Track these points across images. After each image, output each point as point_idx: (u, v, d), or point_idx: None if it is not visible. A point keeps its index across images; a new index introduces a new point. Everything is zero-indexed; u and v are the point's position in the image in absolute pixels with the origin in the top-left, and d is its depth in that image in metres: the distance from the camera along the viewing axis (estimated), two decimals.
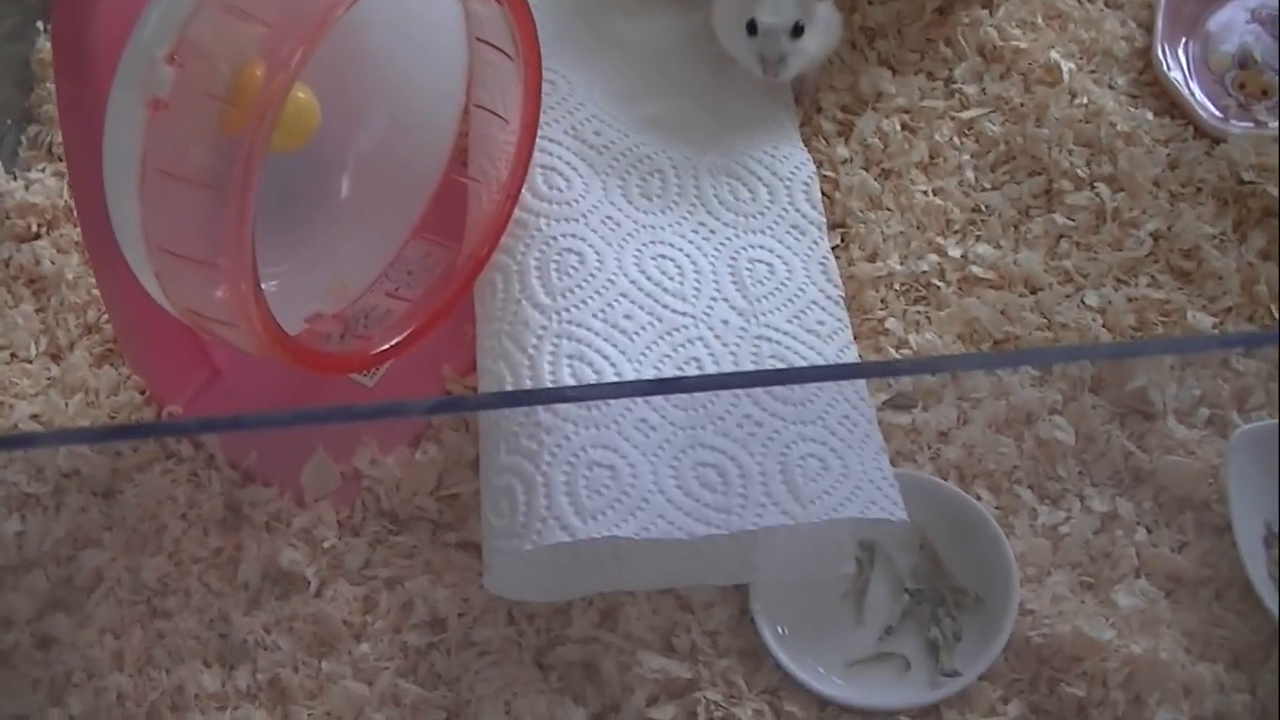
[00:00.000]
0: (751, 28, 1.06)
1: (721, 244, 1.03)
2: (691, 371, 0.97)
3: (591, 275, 1.00)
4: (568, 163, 1.05)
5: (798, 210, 1.06)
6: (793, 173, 1.07)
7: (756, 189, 1.06)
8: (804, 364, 0.98)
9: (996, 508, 0.95)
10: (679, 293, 1.00)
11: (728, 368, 0.97)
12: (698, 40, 1.15)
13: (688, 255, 1.02)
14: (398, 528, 0.98)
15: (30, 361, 1.09)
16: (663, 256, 1.02)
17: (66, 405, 1.05)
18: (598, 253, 1.01)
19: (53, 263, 1.13)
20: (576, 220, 1.03)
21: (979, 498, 0.95)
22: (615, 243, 1.02)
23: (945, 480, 0.95)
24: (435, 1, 0.97)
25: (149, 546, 0.98)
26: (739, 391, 0.96)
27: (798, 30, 1.06)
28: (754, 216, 1.05)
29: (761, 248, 1.03)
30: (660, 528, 0.89)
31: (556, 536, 0.88)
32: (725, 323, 0.99)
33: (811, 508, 0.90)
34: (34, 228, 1.15)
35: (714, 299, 1.00)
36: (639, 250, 1.02)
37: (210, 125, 0.81)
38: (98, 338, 1.09)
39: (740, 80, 1.12)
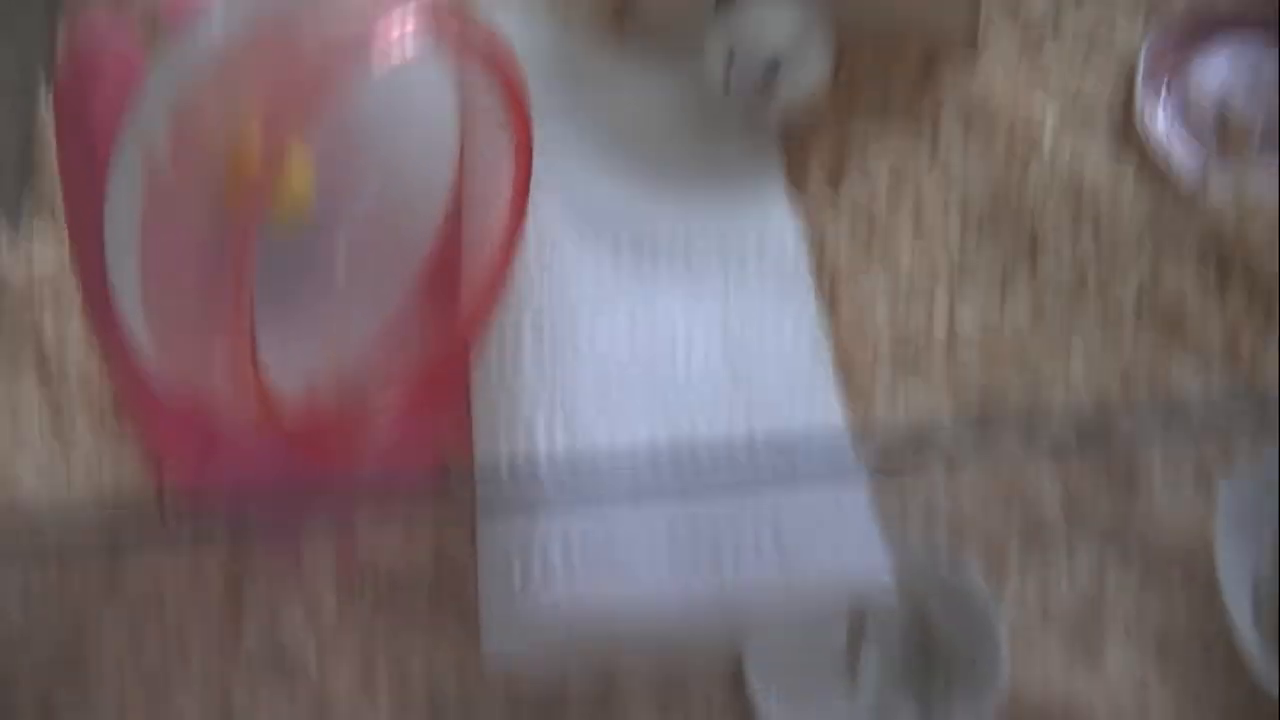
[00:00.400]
0: (730, 59, 1.09)
1: (711, 306, 1.05)
2: (682, 432, 0.99)
3: (584, 341, 1.01)
4: (559, 232, 1.07)
5: (785, 272, 1.08)
6: (780, 235, 1.09)
7: (745, 253, 1.08)
8: (793, 426, 0.99)
9: (985, 570, 0.96)
10: (669, 359, 1.02)
11: (719, 432, 0.99)
12: (684, 100, 1.17)
13: (677, 317, 1.04)
14: (397, 592, 0.99)
15: (32, 434, 1.10)
16: (653, 324, 1.03)
17: (68, 474, 1.07)
18: (590, 318, 1.03)
19: (55, 331, 1.14)
20: (568, 286, 1.04)
21: (968, 562, 0.96)
22: (606, 311, 1.03)
23: (934, 544, 0.97)
24: (428, 73, 0.99)
25: (150, 619, 1.00)
26: (729, 447, 0.98)
27: (775, 65, 1.09)
28: (742, 278, 1.06)
29: (750, 309, 1.05)
30: (657, 596, 0.90)
31: (551, 599, 0.90)
32: (714, 388, 1.01)
33: (798, 564, 0.91)
34: (36, 296, 1.16)
35: (704, 364, 1.02)
36: (630, 317, 1.03)
37: (207, 196, 0.82)
38: (99, 406, 1.10)
39: (728, 138, 1.14)
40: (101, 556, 1.03)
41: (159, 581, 1.00)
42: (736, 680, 0.94)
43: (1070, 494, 0.98)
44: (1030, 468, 0.99)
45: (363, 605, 0.98)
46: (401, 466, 1.04)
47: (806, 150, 1.16)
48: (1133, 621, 0.94)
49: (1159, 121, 1.15)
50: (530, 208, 1.05)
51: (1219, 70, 1.19)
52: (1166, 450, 0.99)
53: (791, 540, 0.92)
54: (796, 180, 1.15)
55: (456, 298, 1.05)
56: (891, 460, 1.00)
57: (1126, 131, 1.15)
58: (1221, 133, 1.15)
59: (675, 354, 1.02)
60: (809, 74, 1.12)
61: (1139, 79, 1.17)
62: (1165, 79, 1.18)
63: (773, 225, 1.09)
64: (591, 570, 0.91)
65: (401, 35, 0.85)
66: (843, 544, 0.92)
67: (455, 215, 1.06)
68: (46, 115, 1.27)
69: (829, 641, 0.95)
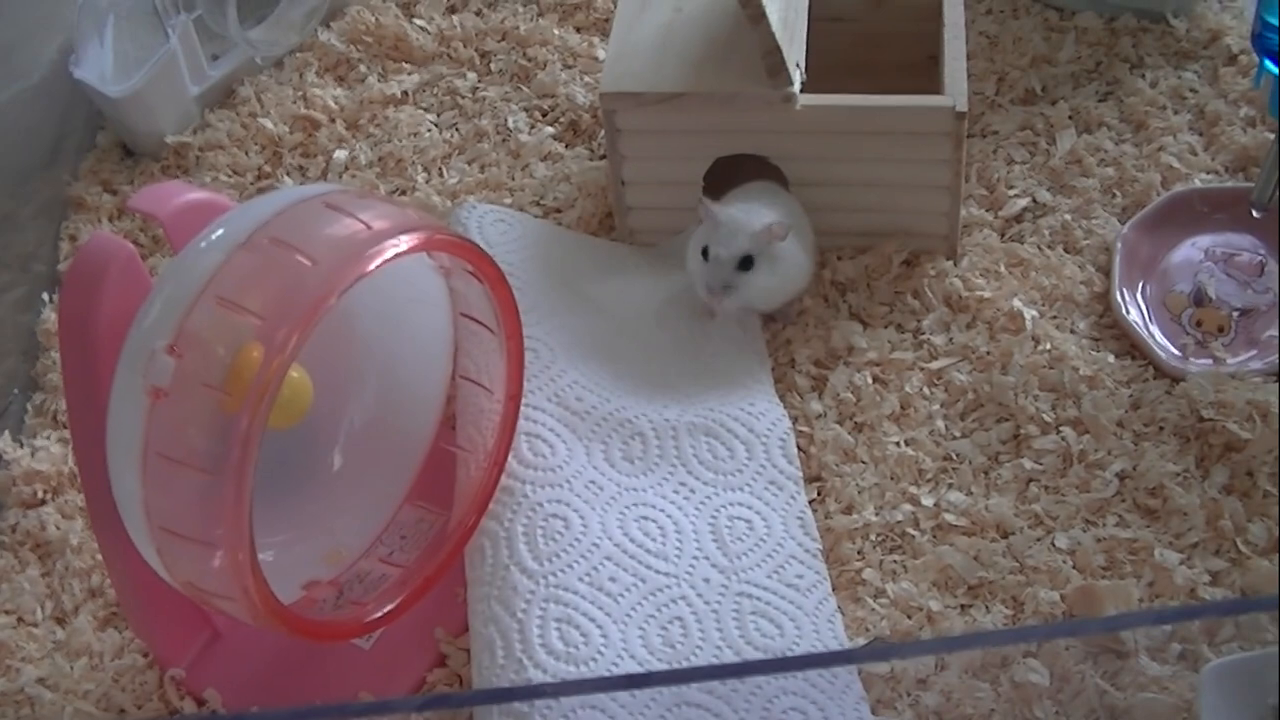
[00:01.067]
0: (705, 254, 1.13)
1: (702, 503, 1.07)
2: (675, 632, 1.01)
3: (577, 540, 1.04)
4: (551, 429, 1.09)
5: (775, 466, 1.10)
6: (769, 429, 1.11)
7: (734, 447, 1.10)
8: (786, 619, 1.01)
9: None
10: (661, 553, 1.04)
11: (710, 625, 1.01)
12: (674, 300, 1.20)
13: (669, 515, 1.07)
14: None
15: (36, 625, 1.12)
16: (645, 518, 1.06)
17: (72, 668, 1.08)
18: (582, 517, 1.05)
19: (58, 528, 1.16)
20: (561, 486, 1.07)
21: None
22: (599, 506, 1.06)
23: None
24: (421, 280, 1.02)
25: None
26: (720, 643, 1.00)
27: (746, 263, 1.13)
28: (733, 474, 1.09)
29: (740, 505, 1.07)
30: None
31: None
32: (707, 580, 1.03)
33: None
34: (40, 494, 1.19)
35: (695, 558, 1.04)
36: (622, 513, 1.06)
37: (208, 410, 0.85)
38: (101, 601, 1.12)
39: (717, 336, 1.17)
40: None
41: None
42: None
43: (1057, 674, 0.99)
44: (1017, 649, 1.00)
45: None
46: (398, 662, 1.06)
47: (793, 348, 1.19)
48: None
49: (1135, 310, 1.18)
50: (524, 407, 1.08)
51: (1193, 259, 1.22)
52: (1151, 629, 1.00)
53: None
54: (784, 377, 1.18)
55: (453, 494, 1.07)
56: (881, 644, 1.01)
57: (1104, 319, 1.18)
58: (1196, 316, 1.17)
59: (666, 547, 1.05)
60: (784, 271, 1.15)
61: (1115, 271, 1.20)
62: (1140, 270, 1.21)
63: (761, 420, 1.12)
64: None
65: (395, 256, 0.89)
66: None
67: (450, 415, 1.09)
68: (49, 323, 1.30)
69: None
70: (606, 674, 0.98)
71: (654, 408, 1.13)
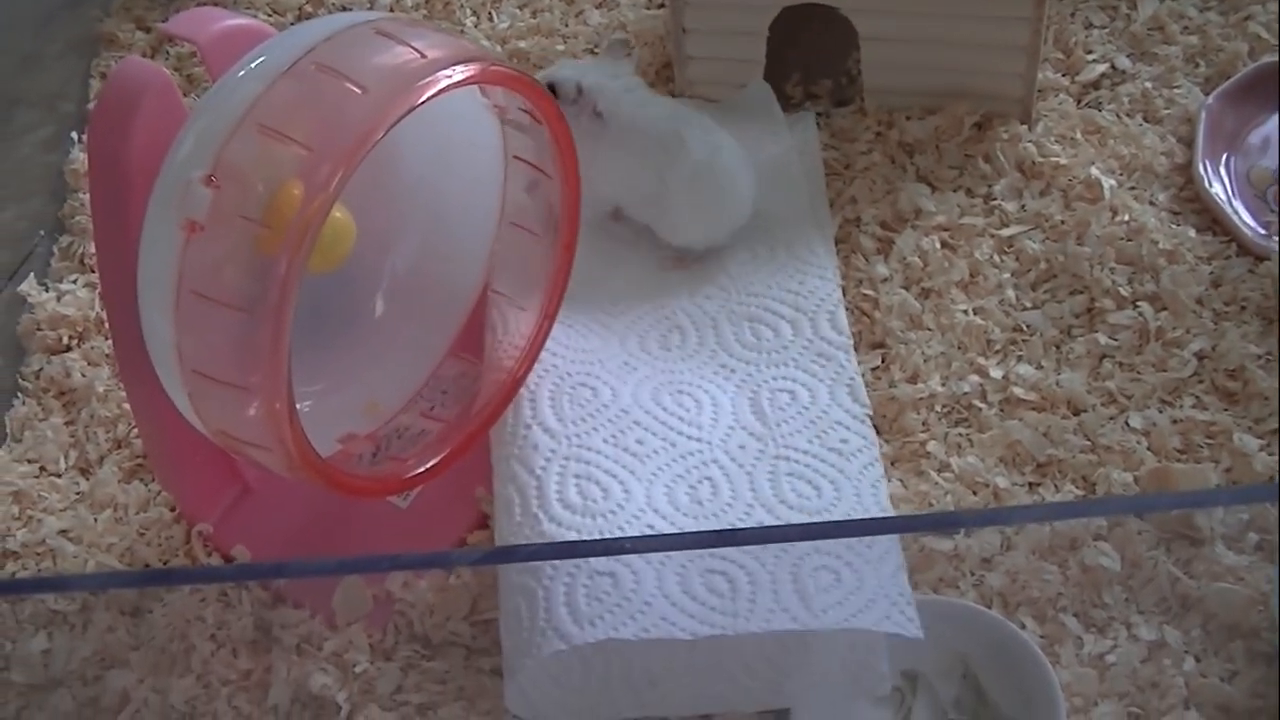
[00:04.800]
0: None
1: (742, 381, 1.04)
2: (704, 491, 0.97)
3: (604, 406, 1.01)
4: (585, 325, 1.07)
5: (822, 338, 1.05)
6: (817, 305, 1.07)
7: (779, 326, 1.06)
8: (825, 482, 0.97)
9: (1041, 636, 0.92)
10: (694, 422, 1.01)
11: (743, 487, 0.97)
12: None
13: (706, 392, 1.03)
14: (430, 653, 0.96)
15: (59, 475, 1.08)
16: (680, 392, 1.03)
17: (95, 520, 1.05)
18: (612, 389, 1.02)
19: (83, 375, 1.12)
20: (593, 363, 1.04)
21: (1023, 626, 0.93)
22: (631, 381, 1.03)
23: (989, 608, 0.93)
24: (472, 122, 0.97)
25: (177, 667, 0.96)
26: (752, 501, 0.96)
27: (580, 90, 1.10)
28: (776, 351, 1.05)
29: (784, 379, 1.03)
30: (661, 629, 0.87)
31: (553, 646, 0.87)
32: (742, 447, 0.99)
33: (822, 616, 0.88)
34: (65, 340, 1.15)
35: (731, 428, 1.00)
36: (656, 388, 1.03)
37: (246, 247, 0.80)
38: (127, 452, 1.08)
39: (779, 198, 1.12)
40: (128, 603, 1.00)
41: (186, 630, 0.97)
42: None
43: (1129, 560, 0.94)
44: (1087, 532, 0.95)
45: (395, 666, 0.95)
46: (436, 522, 1.02)
47: (859, 207, 1.13)
48: (1194, 691, 0.90)
49: (1219, 184, 1.12)
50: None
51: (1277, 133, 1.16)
52: (1228, 515, 0.96)
53: (813, 585, 0.89)
54: (849, 237, 1.13)
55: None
56: (944, 523, 0.97)
57: (1185, 192, 1.13)
58: None
59: (700, 417, 1.01)
60: None
61: (1198, 143, 1.14)
62: (1225, 142, 1.15)
63: (809, 298, 1.08)
64: (596, 614, 0.88)
65: (450, 87, 0.83)
66: (867, 592, 0.89)
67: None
68: (77, 163, 1.26)
69: (876, 703, 0.91)
70: (623, 529, 0.94)
71: (695, 300, 1.09)
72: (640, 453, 0.98)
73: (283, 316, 0.79)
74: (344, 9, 1.34)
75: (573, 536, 0.93)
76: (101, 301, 1.15)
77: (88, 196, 1.21)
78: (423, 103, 0.81)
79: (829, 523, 0.95)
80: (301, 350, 0.86)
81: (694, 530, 0.94)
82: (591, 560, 0.90)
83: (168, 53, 1.34)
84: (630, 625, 0.87)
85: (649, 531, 0.94)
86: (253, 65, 0.83)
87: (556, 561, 0.90)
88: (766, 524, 0.95)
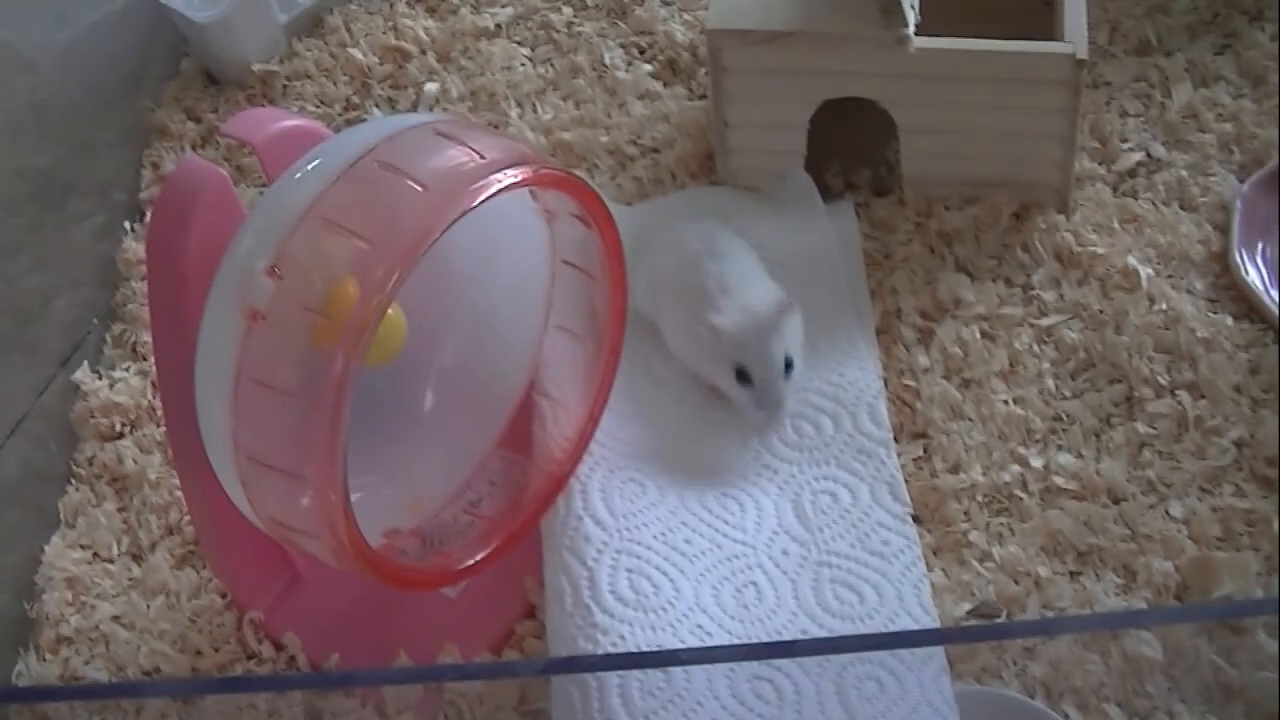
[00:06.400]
0: (742, 377, 1.05)
1: (785, 482, 1.05)
2: (750, 595, 0.99)
3: (652, 504, 1.02)
4: (634, 413, 1.09)
5: (862, 433, 1.07)
6: (857, 397, 1.08)
7: (820, 422, 1.07)
8: (868, 587, 0.99)
9: None
10: (739, 525, 1.02)
11: (786, 593, 0.99)
12: (777, 246, 1.17)
13: (749, 495, 1.04)
14: None
15: (112, 561, 1.10)
16: (725, 495, 1.04)
17: (148, 607, 1.06)
18: (659, 487, 1.04)
19: (135, 462, 1.14)
20: (641, 458, 1.05)
21: (1066, 716, 0.93)
22: (677, 481, 1.04)
23: (1032, 697, 0.94)
24: (521, 224, 0.99)
25: None
26: (796, 610, 0.97)
27: (789, 365, 1.05)
28: (817, 449, 1.06)
29: (825, 479, 1.05)
30: None
31: None
32: (785, 553, 1.01)
33: None
34: (118, 427, 1.17)
35: (775, 532, 1.02)
36: (701, 489, 1.04)
37: (304, 339, 0.82)
38: (179, 539, 1.10)
39: (818, 286, 1.14)
40: (180, 689, 1.01)
41: (239, 717, 0.98)
42: None
43: (1170, 648, 0.95)
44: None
45: None
46: (484, 612, 1.03)
47: (899, 297, 1.15)
48: None
49: (1255, 272, 1.13)
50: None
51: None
52: (1271, 596, 0.96)
53: (856, 696, 0.91)
54: (890, 327, 1.14)
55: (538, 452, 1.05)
56: (987, 606, 0.98)
57: (1222, 279, 1.14)
58: None
59: (745, 520, 1.02)
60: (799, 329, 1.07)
61: (1234, 230, 1.15)
62: (1260, 229, 1.16)
63: (849, 390, 1.09)
64: (650, 709, 0.90)
65: (506, 188, 0.85)
66: (910, 701, 0.91)
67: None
68: (129, 251, 1.28)
69: None
70: (674, 626, 0.95)
71: None
72: (689, 552, 1.00)
73: (339, 411, 0.81)
74: (389, 101, 1.36)
75: (624, 629, 0.94)
76: (155, 390, 1.17)
77: (140, 285, 1.25)
78: (480, 204, 0.83)
79: (874, 635, 0.96)
80: (353, 441, 0.87)
81: (740, 634, 0.96)
82: (651, 674, 0.91)
83: (218, 143, 1.36)
84: None
85: (698, 629, 0.95)
86: (312, 164, 0.85)
87: (619, 672, 0.92)
88: (810, 631, 0.96)
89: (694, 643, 0.94)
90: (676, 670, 0.91)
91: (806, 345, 1.09)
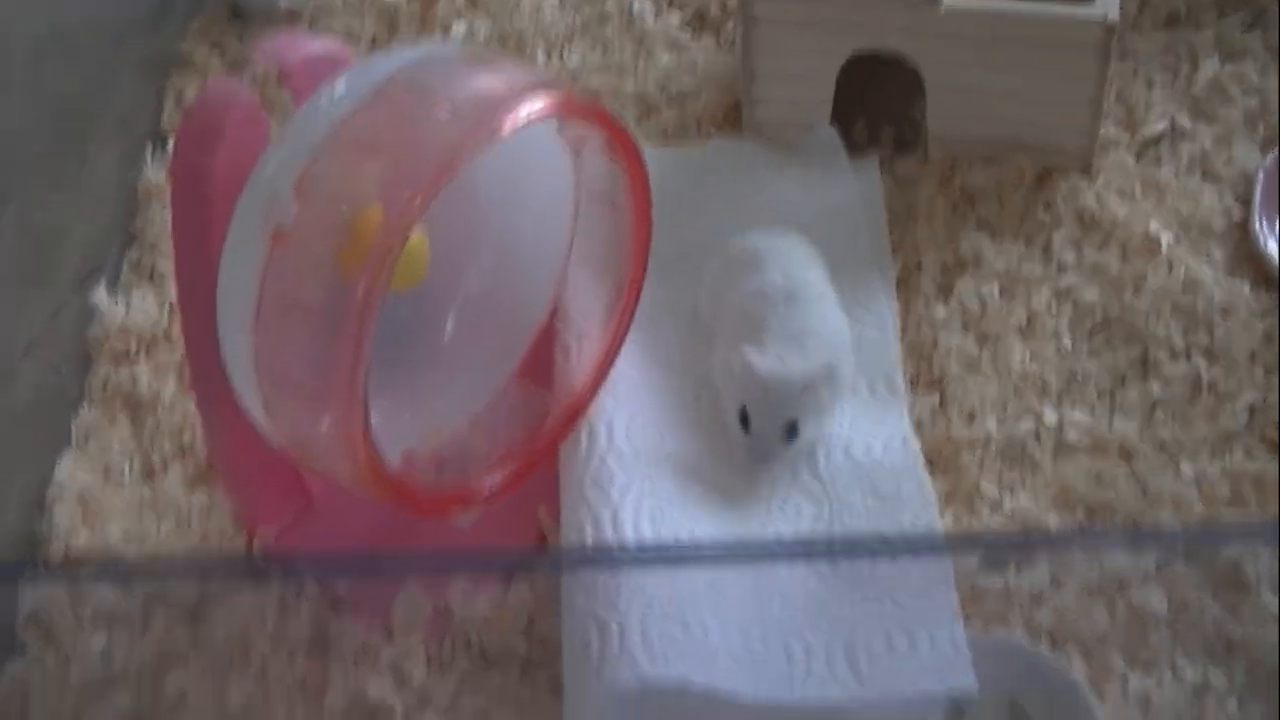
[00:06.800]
0: (744, 420, 1.01)
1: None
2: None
3: (668, 455, 1.03)
4: (653, 359, 1.09)
5: (876, 394, 1.07)
6: (875, 361, 1.08)
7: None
8: (879, 528, 0.99)
9: (1088, 673, 0.94)
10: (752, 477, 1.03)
11: (800, 530, 1.00)
12: (802, 192, 1.18)
13: None
14: (487, 665, 0.98)
15: (123, 482, 1.10)
16: None
17: (159, 527, 1.06)
18: (675, 435, 1.04)
19: (149, 385, 1.14)
20: (660, 408, 1.06)
21: (1069, 659, 0.94)
22: (694, 431, 1.05)
23: (1037, 643, 0.95)
24: (547, 154, 0.99)
25: (235, 668, 0.98)
26: (807, 569, 0.97)
27: (792, 431, 1.00)
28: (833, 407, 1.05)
29: (839, 437, 1.04)
30: (726, 685, 0.90)
31: (626, 679, 0.89)
32: (798, 512, 1.01)
33: (877, 684, 0.91)
34: (132, 350, 1.17)
35: (788, 472, 1.03)
36: (713, 440, 1.04)
37: (329, 263, 0.82)
38: (191, 461, 1.10)
39: (839, 236, 1.14)
40: (187, 606, 1.01)
41: (245, 634, 0.99)
42: None
43: (1176, 602, 0.96)
44: (1136, 573, 0.97)
45: (452, 677, 0.97)
46: (497, 542, 1.03)
47: (921, 252, 1.16)
48: None
49: (1274, 243, 1.14)
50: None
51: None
52: (1274, 563, 0.97)
53: (865, 654, 0.92)
54: (909, 279, 1.15)
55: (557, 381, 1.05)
56: (995, 557, 0.99)
57: (1241, 250, 1.15)
58: None
59: (759, 482, 1.03)
60: (832, 402, 1.03)
61: (1255, 202, 1.16)
62: None
63: (868, 346, 1.09)
64: (667, 655, 0.90)
65: (528, 116, 0.85)
66: (921, 652, 0.92)
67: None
68: (149, 181, 1.28)
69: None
70: (694, 574, 0.96)
71: None
72: (704, 503, 1.01)
73: (363, 337, 0.82)
74: (416, 41, 1.37)
75: (645, 579, 0.94)
76: (172, 315, 1.17)
77: (159, 213, 1.25)
78: (509, 130, 0.83)
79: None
80: (374, 365, 0.88)
81: (753, 586, 0.97)
82: (664, 604, 0.92)
83: (243, 77, 1.36)
84: (699, 674, 0.90)
85: (716, 579, 0.96)
86: (340, 88, 0.85)
87: (631, 598, 0.92)
88: (817, 592, 0.96)
89: (711, 596, 0.94)
90: (695, 622, 0.92)
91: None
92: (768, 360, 0.99)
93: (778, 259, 1.06)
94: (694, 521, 0.99)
